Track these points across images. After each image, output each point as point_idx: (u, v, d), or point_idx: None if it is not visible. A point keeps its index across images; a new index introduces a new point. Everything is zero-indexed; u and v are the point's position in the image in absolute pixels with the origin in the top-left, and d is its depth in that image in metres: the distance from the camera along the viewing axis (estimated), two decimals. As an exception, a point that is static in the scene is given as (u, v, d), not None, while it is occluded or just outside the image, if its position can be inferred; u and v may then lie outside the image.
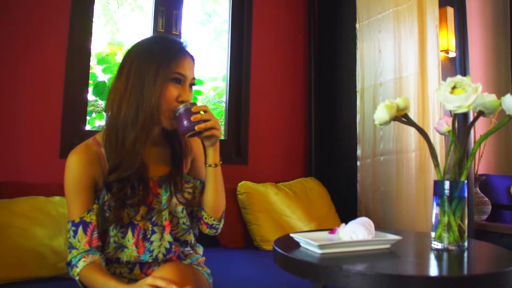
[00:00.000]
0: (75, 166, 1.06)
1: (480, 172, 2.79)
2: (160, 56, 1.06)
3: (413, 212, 2.11)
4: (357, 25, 2.54)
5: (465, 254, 0.97)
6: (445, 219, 0.98)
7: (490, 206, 2.43)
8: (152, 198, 1.12)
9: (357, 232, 1.01)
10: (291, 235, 1.05)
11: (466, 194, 0.99)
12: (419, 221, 2.10)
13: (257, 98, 2.68)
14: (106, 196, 1.08)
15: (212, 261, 1.38)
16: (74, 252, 1.06)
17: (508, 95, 0.95)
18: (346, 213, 2.37)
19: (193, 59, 1.15)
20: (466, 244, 0.99)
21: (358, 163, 2.47)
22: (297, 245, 1.01)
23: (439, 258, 0.96)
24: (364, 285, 0.76)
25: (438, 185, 1.00)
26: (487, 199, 2.44)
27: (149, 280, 0.93)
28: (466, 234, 0.99)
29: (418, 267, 0.95)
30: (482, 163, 2.79)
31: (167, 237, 1.13)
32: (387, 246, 1.01)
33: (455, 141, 1.04)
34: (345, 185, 2.54)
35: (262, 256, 1.89)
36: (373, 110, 2.32)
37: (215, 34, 3.06)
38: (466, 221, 0.99)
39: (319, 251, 0.92)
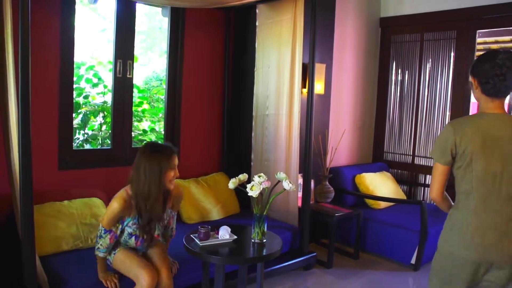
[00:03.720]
0: (118, 206, 2.65)
1: (336, 164, 4.72)
2: (161, 159, 2.67)
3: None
4: (255, 70, 4.21)
5: (264, 244, 2.80)
6: (256, 230, 2.79)
7: (333, 193, 4.39)
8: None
9: (224, 233, 2.81)
10: (192, 235, 2.83)
11: (266, 220, 2.80)
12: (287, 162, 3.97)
13: (187, 105, 4.28)
14: (131, 223, 2.74)
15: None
16: (102, 243, 2.67)
17: (281, 173, 2.73)
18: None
19: (176, 153, 2.76)
20: (265, 240, 2.82)
21: (252, 163, 4.25)
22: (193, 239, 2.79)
23: (252, 246, 2.79)
24: (216, 260, 2.58)
25: (255, 217, 2.80)
26: (332, 188, 4.38)
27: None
28: (264, 234, 2.81)
29: (239, 251, 2.78)
30: (340, 155, 4.76)
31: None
32: (233, 238, 2.80)
33: (257, 201, 2.81)
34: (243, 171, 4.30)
35: (187, 228, 3.62)
36: (262, 131, 4.14)
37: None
38: (264, 229, 2.81)
39: (200, 244, 2.71)
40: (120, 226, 2.74)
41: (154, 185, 2.63)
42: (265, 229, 2.85)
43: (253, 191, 2.66)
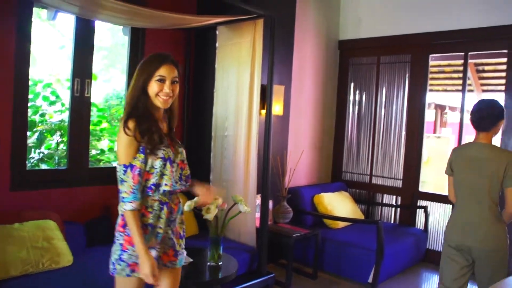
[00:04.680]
0: (124, 135, 2.00)
1: (295, 184, 4.76)
2: (148, 66, 2.09)
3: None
4: (215, 91, 4.23)
5: (220, 267, 2.79)
6: (212, 252, 2.78)
7: (291, 214, 4.41)
8: (173, 145, 2.21)
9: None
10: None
11: (222, 243, 2.79)
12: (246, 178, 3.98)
13: None
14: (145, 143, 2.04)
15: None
16: (126, 189, 1.98)
17: (237, 195, 2.74)
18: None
19: (174, 64, 2.14)
20: (221, 262, 2.81)
21: (211, 184, 4.24)
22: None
23: (208, 269, 2.77)
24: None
25: (210, 240, 2.79)
26: (290, 208, 4.41)
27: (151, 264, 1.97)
28: (220, 257, 2.80)
29: (195, 274, 2.76)
30: (299, 176, 4.80)
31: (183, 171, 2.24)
32: (189, 261, 2.79)
33: (213, 223, 2.81)
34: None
35: None
36: (221, 152, 4.14)
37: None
38: (220, 251, 2.80)
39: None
40: (143, 158, 2.06)
41: (135, 98, 2.09)
42: (221, 252, 2.84)
43: (208, 214, 2.65)
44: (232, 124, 4.12)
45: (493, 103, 2.87)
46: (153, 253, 2.06)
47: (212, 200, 2.37)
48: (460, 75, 5.64)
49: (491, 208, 2.78)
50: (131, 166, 2.01)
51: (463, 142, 4.90)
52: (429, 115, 11.35)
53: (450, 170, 3.01)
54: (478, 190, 2.79)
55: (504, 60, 4.77)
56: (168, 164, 2.11)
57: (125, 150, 2.02)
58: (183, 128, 4.53)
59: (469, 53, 4.88)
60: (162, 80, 2.08)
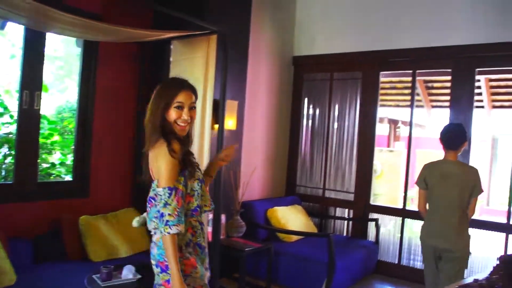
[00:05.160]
0: (171, 158, 2.01)
1: (249, 198, 4.79)
2: (166, 92, 2.14)
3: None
4: (168, 105, 4.21)
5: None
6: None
7: (245, 228, 4.42)
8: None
9: (127, 273, 2.74)
10: (94, 276, 2.74)
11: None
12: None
13: (98, 138, 4.19)
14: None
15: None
16: (169, 217, 1.95)
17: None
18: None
19: (191, 90, 2.17)
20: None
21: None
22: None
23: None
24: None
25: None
26: (243, 222, 4.42)
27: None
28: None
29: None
30: (253, 190, 4.83)
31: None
32: (137, 277, 2.75)
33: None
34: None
35: (93, 266, 3.50)
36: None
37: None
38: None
39: (102, 285, 2.63)
40: (183, 180, 2.07)
41: (158, 124, 2.12)
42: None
43: (156, 230, 2.63)
44: (185, 139, 4.11)
45: (461, 126, 3.48)
46: (207, 273, 2.19)
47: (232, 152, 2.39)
48: (410, 91, 5.85)
49: (462, 216, 3.35)
50: (176, 189, 2.01)
51: (412, 155, 5.06)
52: (383, 129, 11.66)
53: (424, 184, 3.50)
54: (451, 202, 3.34)
55: (449, 78, 4.98)
56: (203, 185, 2.19)
57: (169, 173, 2.01)
58: (135, 142, 4.49)
59: (417, 71, 5.08)
60: (180, 107, 2.11)
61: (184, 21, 3.76)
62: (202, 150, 3.96)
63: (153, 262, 2.14)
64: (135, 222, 2.79)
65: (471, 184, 3.33)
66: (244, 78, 4.82)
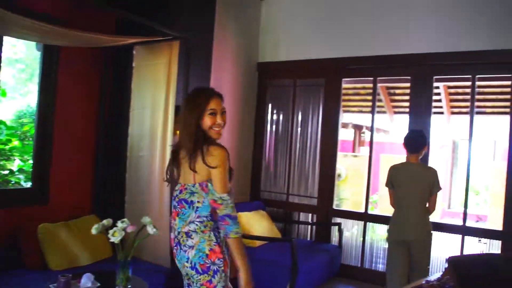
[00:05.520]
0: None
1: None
2: (197, 102, 2.29)
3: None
4: (130, 111, 4.19)
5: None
6: (120, 276, 2.73)
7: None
8: None
9: (86, 282, 2.71)
10: (51, 285, 2.69)
11: (131, 266, 2.75)
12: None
13: (59, 144, 4.11)
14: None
15: None
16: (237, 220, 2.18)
17: (146, 217, 2.71)
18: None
19: (219, 96, 2.36)
20: (129, 286, 2.76)
21: (126, 205, 4.17)
22: None
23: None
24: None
25: (119, 263, 2.74)
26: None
27: None
28: (129, 280, 2.76)
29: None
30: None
31: None
32: (96, 286, 2.72)
33: (122, 246, 2.77)
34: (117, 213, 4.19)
35: (52, 275, 3.43)
36: (136, 172, 4.10)
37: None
38: (129, 275, 2.76)
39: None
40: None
41: (195, 133, 2.26)
42: (130, 275, 2.80)
43: (115, 237, 2.62)
44: (148, 144, 4.10)
45: (421, 132, 4.05)
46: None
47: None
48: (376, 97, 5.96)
49: (424, 210, 3.88)
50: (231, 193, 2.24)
51: (376, 160, 5.17)
52: (348, 134, 11.84)
53: (391, 184, 4.02)
54: (414, 198, 3.86)
55: (408, 85, 5.13)
56: None
57: (226, 178, 2.23)
58: (97, 148, 4.44)
59: (378, 78, 5.20)
60: (214, 114, 2.28)
61: (147, 26, 3.76)
62: (164, 156, 3.95)
63: (187, 265, 2.24)
64: (93, 230, 2.76)
65: (430, 183, 3.85)
66: (207, 83, 4.83)
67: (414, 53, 4.84)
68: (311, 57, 5.43)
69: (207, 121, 2.27)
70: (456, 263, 1.91)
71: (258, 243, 4.83)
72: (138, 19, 3.57)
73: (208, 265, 2.19)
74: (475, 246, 5.06)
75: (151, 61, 4.14)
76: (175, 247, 2.34)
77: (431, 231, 3.94)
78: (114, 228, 2.68)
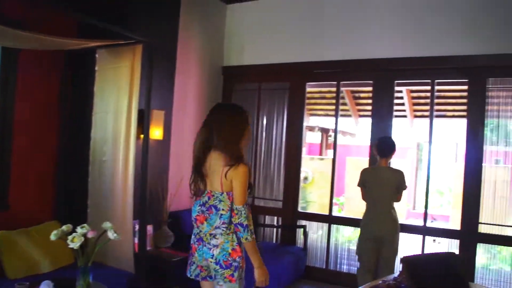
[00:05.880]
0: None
1: (180, 208, 4.77)
2: (245, 119, 2.63)
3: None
4: (93, 115, 4.15)
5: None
6: (80, 282, 2.70)
7: (173, 238, 4.41)
8: None
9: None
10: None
11: (91, 272, 2.72)
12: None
13: (19, 148, 4.01)
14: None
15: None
16: (251, 227, 2.50)
17: (107, 222, 2.69)
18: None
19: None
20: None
21: (89, 210, 4.11)
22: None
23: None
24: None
25: (79, 269, 2.70)
26: (171, 233, 4.40)
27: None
28: (90, 286, 2.72)
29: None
30: (184, 199, 4.82)
31: None
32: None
33: (81, 252, 2.74)
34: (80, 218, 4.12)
35: (10, 284, 3.36)
36: (99, 177, 4.05)
37: None
38: (89, 281, 2.72)
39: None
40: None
41: (239, 147, 2.57)
42: (90, 281, 2.77)
43: (74, 242, 2.59)
44: (111, 149, 4.06)
45: (392, 139, 4.43)
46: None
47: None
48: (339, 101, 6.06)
49: (392, 209, 4.24)
50: (247, 204, 2.55)
51: (342, 163, 5.25)
52: (315, 137, 11.98)
53: (363, 185, 4.37)
54: (384, 198, 4.23)
55: (370, 89, 5.24)
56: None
57: (246, 192, 2.51)
58: (59, 152, 4.36)
59: (341, 82, 5.29)
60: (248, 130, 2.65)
61: (110, 29, 3.73)
62: (127, 160, 3.92)
63: (211, 260, 2.56)
64: (52, 236, 2.72)
65: (398, 184, 4.26)
66: (171, 87, 4.82)
67: (376, 58, 4.95)
68: (276, 61, 5.48)
69: (244, 140, 2.61)
70: (408, 263, 1.97)
71: (223, 246, 4.83)
72: (98, 23, 3.52)
73: (230, 262, 2.53)
74: (436, 246, 5.21)
75: (114, 65, 4.10)
76: (197, 242, 2.64)
77: (399, 229, 4.25)
78: (73, 234, 2.64)
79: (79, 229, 2.68)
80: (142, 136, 4.09)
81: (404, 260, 1.96)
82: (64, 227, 2.77)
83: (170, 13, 4.89)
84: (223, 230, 2.53)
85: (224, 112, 2.64)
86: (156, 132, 4.46)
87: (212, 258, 2.56)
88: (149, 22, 4.49)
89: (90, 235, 2.72)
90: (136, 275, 3.86)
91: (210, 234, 2.56)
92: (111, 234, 2.75)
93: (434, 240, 5.00)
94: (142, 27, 4.23)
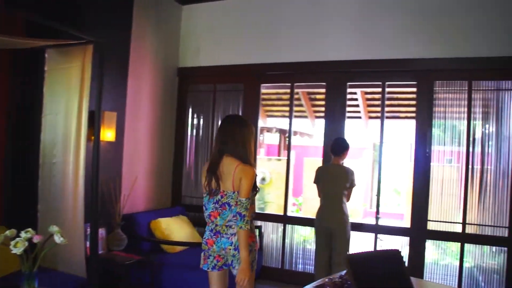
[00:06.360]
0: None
1: (134, 210, 4.72)
2: (252, 128, 3.11)
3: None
4: (43, 117, 4.05)
5: None
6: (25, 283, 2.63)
7: (126, 241, 4.35)
8: None
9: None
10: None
11: (37, 277, 2.65)
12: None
13: None
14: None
15: None
16: (247, 218, 2.85)
17: (54, 226, 2.63)
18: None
19: None
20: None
21: (39, 214, 4.01)
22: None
23: None
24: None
25: (24, 275, 2.63)
26: (125, 235, 4.35)
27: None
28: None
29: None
30: (138, 201, 4.76)
31: None
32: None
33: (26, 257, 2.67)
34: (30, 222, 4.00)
35: None
36: (50, 179, 3.96)
37: None
38: (35, 286, 2.66)
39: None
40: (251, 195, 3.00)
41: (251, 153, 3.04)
42: (36, 287, 2.71)
43: (17, 248, 2.52)
44: (61, 151, 3.97)
45: (344, 139, 4.70)
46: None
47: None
48: (295, 102, 6.14)
49: (342, 203, 4.51)
50: (249, 199, 2.89)
51: (297, 163, 5.34)
52: (273, 139, 12.07)
53: (317, 182, 4.67)
54: (335, 194, 4.51)
55: (323, 90, 5.34)
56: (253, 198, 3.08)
57: (250, 189, 2.89)
58: (5, 155, 4.23)
59: (295, 83, 5.37)
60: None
61: (59, 28, 3.65)
62: (78, 163, 3.85)
63: (230, 248, 2.94)
64: (-5, 241, 2.64)
65: (349, 180, 4.53)
66: (124, 88, 4.76)
67: (329, 60, 5.05)
68: (231, 62, 5.50)
69: (251, 143, 3.06)
70: (352, 261, 2.02)
71: (178, 248, 4.82)
72: (44, 21, 3.43)
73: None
74: (381, 244, 5.36)
75: (64, 65, 4.01)
76: (214, 236, 3.00)
77: (349, 221, 4.52)
78: (17, 239, 2.57)
79: (23, 234, 2.61)
80: (93, 138, 4.03)
81: (347, 258, 2.00)
82: (7, 232, 2.69)
83: (122, 13, 4.83)
84: (234, 222, 2.92)
85: (234, 125, 3.05)
86: (108, 134, 4.39)
87: (231, 245, 2.94)
88: (101, 22, 4.42)
89: (36, 239, 2.66)
90: (88, 279, 3.79)
91: (226, 226, 2.95)
92: (57, 238, 2.69)
93: (378, 238, 5.14)
94: (93, 27, 4.16)
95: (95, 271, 3.77)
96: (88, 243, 3.91)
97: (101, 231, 4.30)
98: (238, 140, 2.98)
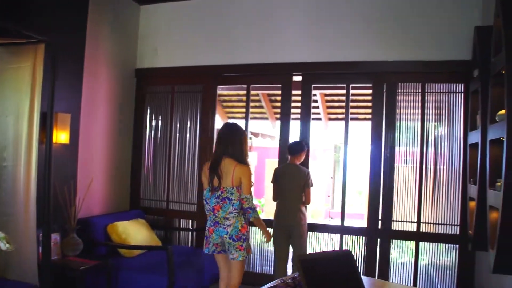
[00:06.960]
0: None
1: (90, 214, 4.62)
2: (245, 134, 3.84)
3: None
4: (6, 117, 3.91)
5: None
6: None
7: (82, 245, 4.25)
8: None
9: None
10: None
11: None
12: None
13: None
14: None
15: None
16: (255, 209, 3.73)
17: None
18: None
19: None
20: None
21: None
22: None
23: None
24: None
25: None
26: (80, 240, 4.25)
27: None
28: None
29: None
30: (94, 205, 4.67)
31: None
32: None
33: None
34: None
35: None
36: (0, 184, 3.82)
37: None
38: None
39: None
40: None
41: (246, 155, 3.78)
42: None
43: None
44: (11, 154, 3.84)
45: (301, 141, 4.92)
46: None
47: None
48: (256, 103, 6.16)
49: (299, 202, 4.67)
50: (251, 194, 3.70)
51: (259, 164, 5.40)
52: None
53: (275, 181, 4.80)
54: (292, 193, 4.66)
55: (279, 92, 5.39)
56: None
57: (250, 184, 3.65)
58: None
59: (251, 85, 5.39)
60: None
61: (5, 27, 3.54)
62: (29, 166, 3.74)
63: (226, 237, 3.61)
64: None
65: (304, 180, 4.67)
66: (79, 90, 4.66)
67: (285, 62, 5.12)
68: (189, 64, 5.48)
69: (246, 146, 3.79)
70: (303, 262, 2.03)
71: (136, 252, 4.75)
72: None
73: (240, 235, 3.62)
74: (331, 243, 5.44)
75: (14, 65, 3.88)
76: (214, 226, 3.67)
77: (306, 219, 4.69)
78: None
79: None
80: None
81: (297, 260, 2.02)
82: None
83: (77, 12, 4.72)
84: (235, 214, 3.62)
85: (232, 132, 3.71)
86: (62, 136, 4.28)
87: (227, 234, 3.61)
88: (53, 20, 4.31)
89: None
90: (40, 286, 3.68)
91: (224, 218, 3.61)
92: (3, 245, 2.61)
93: (332, 239, 5.23)
94: (45, 26, 4.05)
95: (48, 277, 3.67)
96: (40, 249, 3.80)
97: (55, 236, 4.19)
98: (235, 144, 3.66)
